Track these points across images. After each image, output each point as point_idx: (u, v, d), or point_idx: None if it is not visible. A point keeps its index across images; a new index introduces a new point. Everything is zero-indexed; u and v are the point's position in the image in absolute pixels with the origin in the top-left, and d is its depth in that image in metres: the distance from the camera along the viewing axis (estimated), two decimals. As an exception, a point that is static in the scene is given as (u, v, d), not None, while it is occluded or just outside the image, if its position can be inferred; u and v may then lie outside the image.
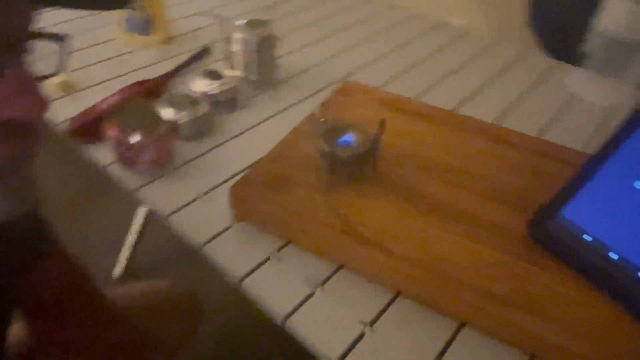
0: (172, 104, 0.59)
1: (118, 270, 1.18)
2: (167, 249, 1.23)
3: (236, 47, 0.66)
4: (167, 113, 0.57)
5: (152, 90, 0.63)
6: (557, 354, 0.37)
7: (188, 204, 0.50)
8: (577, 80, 0.72)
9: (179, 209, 0.49)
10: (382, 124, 0.46)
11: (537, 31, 1.09)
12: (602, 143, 0.43)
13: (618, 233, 0.40)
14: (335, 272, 0.44)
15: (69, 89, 0.64)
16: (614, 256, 0.39)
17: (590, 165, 0.42)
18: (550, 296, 0.39)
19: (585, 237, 0.41)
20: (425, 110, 0.60)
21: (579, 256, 0.41)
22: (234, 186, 0.47)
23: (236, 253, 0.45)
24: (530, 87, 0.72)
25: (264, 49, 0.65)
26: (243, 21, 0.67)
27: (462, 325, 0.40)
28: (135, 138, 0.50)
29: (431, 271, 0.40)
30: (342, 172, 0.47)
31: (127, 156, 0.51)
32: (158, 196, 0.51)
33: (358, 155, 0.46)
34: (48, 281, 0.41)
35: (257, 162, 0.54)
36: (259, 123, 0.62)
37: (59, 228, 0.41)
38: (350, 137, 0.48)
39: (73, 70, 0.69)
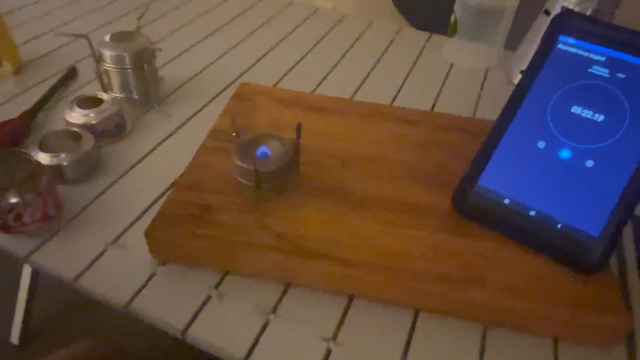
0: (47, 145, 0.50)
1: (15, 336, 1.02)
2: (69, 305, 1.09)
3: (108, 66, 0.58)
4: (44, 158, 0.48)
5: (15, 133, 0.53)
6: (507, 317, 0.39)
7: (96, 258, 0.43)
8: (451, 50, 0.78)
9: (87, 267, 0.42)
10: (298, 128, 0.44)
11: (403, 7, 1.14)
12: (501, 109, 0.46)
13: (532, 191, 0.43)
14: (284, 293, 0.41)
15: None
16: (532, 213, 0.43)
17: (495, 133, 0.45)
18: (488, 264, 0.41)
19: (505, 201, 0.44)
20: (327, 103, 0.59)
21: (503, 220, 0.43)
22: (150, 228, 0.42)
23: (170, 301, 0.40)
24: (412, 63, 0.76)
25: (141, 63, 0.59)
26: (108, 35, 0.59)
27: (417, 311, 0.41)
28: (11, 198, 0.41)
29: (378, 268, 0.40)
30: (267, 187, 0.44)
31: (6, 221, 0.42)
32: (56, 259, 0.43)
33: (282, 166, 0.43)
34: None
35: (168, 193, 0.49)
36: (156, 146, 0.56)
37: None
38: (265, 148, 0.45)
39: None
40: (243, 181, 0.44)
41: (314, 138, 0.53)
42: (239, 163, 0.43)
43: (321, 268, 0.40)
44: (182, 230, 0.42)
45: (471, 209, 0.45)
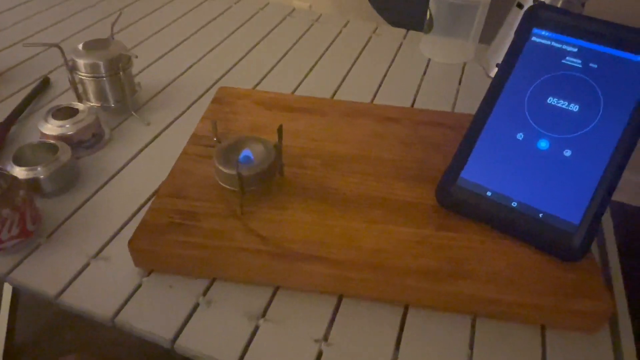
0: (22, 158, 0.49)
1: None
2: (55, 320, 1.06)
3: (82, 75, 0.57)
4: (19, 172, 0.47)
5: (-12, 147, 0.52)
6: (494, 308, 0.40)
7: (79, 273, 0.42)
8: (428, 46, 0.78)
9: (70, 282, 0.41)
10: (280, 130, 0.44)
11: (379, 5, 1.15)
12: (479, 104, 0.46)
13: (513, 182, 0.44)
14: (272, 296, 0.41)
15: None
16: (514, 204, 0.43)
17: (475, 127, 0.46)
18: (474, 256, 0.42)
19: (487, 193, 0.44)
20: (307, 104, 0.59)
21: (486, 212, 0.44)
22: (133, 238, 0.41)
23: (157, 311, 0.40)
24: (390, 60, 0.76)
25: (116, 70, 0.58)
26: (81, 43, 0.58)
27: (406, 307, 0.41)
28: (-14, 215, 0.40)
29: (366, 267, 0.40)
30: (251, 190, 0.44)
31: (-18, 238, 0.41)
32: (37, 275, 0.42)
33: (265, 169, 0.43)
34: None
35: (151, 201, 0.48)
36: (136, 155, 0.55)
37: None
38: (248, 152, 0.45)
39: None
40: (226, 186, 0.44)
41: (296, 139, 0.53)
42: (222, 168, 0.43)
43: (309, 269, 0.40)
44: (166, 239, 0.41)
45: (455, 202, 0.45)
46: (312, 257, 0.40)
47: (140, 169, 0.53)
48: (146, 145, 0.57)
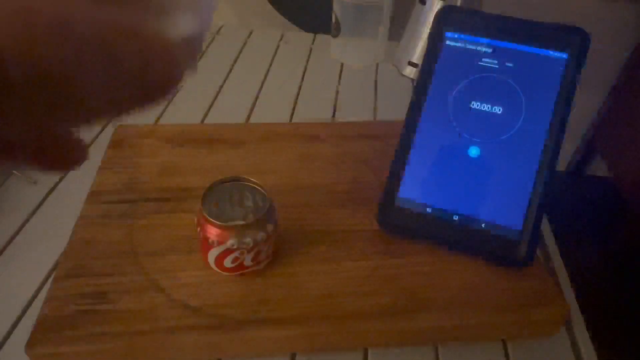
0: None
1: None
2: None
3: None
4: None
5: None
6: (455, 333, 0.38)
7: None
8: (338, 49, 0.75)
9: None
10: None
11: (283, 8, 1.10)
12: (405, 117, 0.44)
13: (450, 195, 0.42)
14: (215, 373, 0.36)
15: None
16: (455, 217, 0.41)
17: (403, 143, 0.43)
18: (426, 281, 0.39)
19: (427, 210, 0.42)
20: (221, 133, 0.53)
21: (429, 230, 0.42)
22: (31, 342, 0.33)
23: None
24: (303, 68, 0.72)
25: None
26: None
27: (366, 350, 0.38)
28: None
29: (317, 320, 0.36)
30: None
31: None
32: None
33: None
34: None
35: (50, 286, 0.40)
36: (24, 223, 0.46)
37: None
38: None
39: None
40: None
41: (215, 177, 0.47)
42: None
43: (252, 336, 0.35)
44: (74, 334, 0.34)
45: (396, 225, 0.42)
46: (253, 321, 0.35)
47: (31, 241, 0.44)
48: (35, 210, 0.48)
